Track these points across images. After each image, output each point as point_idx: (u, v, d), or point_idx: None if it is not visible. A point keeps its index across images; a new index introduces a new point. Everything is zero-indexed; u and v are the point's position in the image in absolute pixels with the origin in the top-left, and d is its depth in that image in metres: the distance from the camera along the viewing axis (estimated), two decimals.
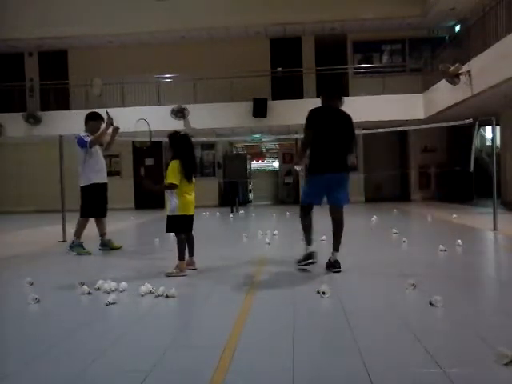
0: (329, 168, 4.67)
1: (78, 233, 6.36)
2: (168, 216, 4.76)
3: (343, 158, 4.76)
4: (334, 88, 5.03)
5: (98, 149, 6.40)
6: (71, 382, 2.27)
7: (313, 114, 4.74)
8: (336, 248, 4.75)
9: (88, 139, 6.19)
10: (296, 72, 15.79)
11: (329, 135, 4.68)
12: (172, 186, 4.67)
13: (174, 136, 4.83)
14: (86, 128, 6.42)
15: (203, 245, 5.77)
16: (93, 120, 6.43)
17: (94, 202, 6.38)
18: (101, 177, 6.42)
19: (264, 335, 2.90)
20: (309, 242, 4.85)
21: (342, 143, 4.75)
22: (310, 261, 4.78)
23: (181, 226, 4.76)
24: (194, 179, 4.80)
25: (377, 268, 4.83)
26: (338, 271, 4.61)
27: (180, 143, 4.77)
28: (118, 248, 6.55)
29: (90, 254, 6.20)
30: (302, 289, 4.05)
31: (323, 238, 6.67)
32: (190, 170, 4.74)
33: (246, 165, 17.14)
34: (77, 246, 6.27)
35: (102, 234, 6.56)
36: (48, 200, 14.22)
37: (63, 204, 7.69)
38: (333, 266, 4.66)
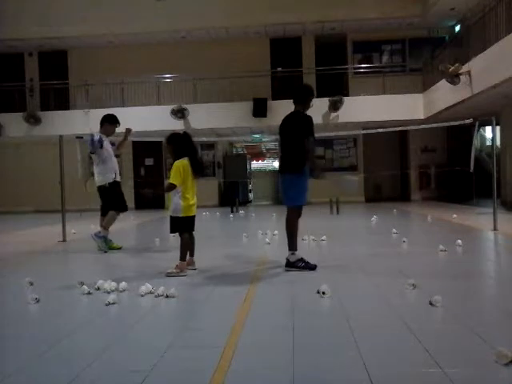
0: (278, 170, 4.99)
1: (108, 225, 6.40)
2: (171, 217, 4.77)
3: (286, 159, 4.80)
4: (298, 92, 4.93)
5: (109, 149, 6.44)
6: (71, 382, 2.27)
7: None
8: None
9: (91, 148, 6.26)
10: (296, 72, 15.75)
11: (280, 140, 4.98)
12: (171, 187, 4.68)
13: (176, 136, 4.82)
14: (101, 130, 6.43)
15: (203, 245, 5.77)
16: (109, 123, 6.46)
17: (119, 198, 6.45)
18: (115, 175, 6.45)
19: (264, 335, 2.90)
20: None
21: (286, 146, 4.81)
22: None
23: (184, 227, 4.78)
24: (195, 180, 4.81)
25: (377, 268, 4.83)
26: (286, 269, 4.76)
27: (184, 141, 4.77)
28: (118, 248, 6.56)
29: (106, 252, 6.25)
30: (301, 289, 4.05)
31: (323, 238, 6.69)
32: (199, 166, 4.79)
33: (246, 165, 17.13)
34: (102, 238, 6.31)
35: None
36: (48, 200, 14.21)
37: (63, 204, 7.68)
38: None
